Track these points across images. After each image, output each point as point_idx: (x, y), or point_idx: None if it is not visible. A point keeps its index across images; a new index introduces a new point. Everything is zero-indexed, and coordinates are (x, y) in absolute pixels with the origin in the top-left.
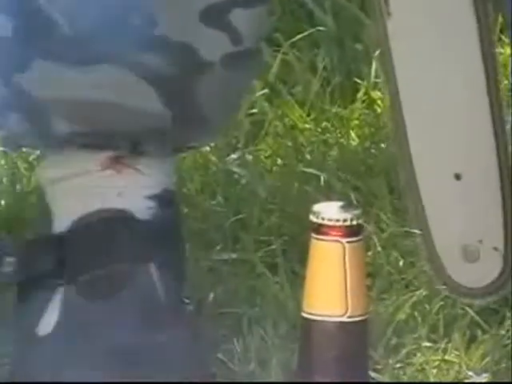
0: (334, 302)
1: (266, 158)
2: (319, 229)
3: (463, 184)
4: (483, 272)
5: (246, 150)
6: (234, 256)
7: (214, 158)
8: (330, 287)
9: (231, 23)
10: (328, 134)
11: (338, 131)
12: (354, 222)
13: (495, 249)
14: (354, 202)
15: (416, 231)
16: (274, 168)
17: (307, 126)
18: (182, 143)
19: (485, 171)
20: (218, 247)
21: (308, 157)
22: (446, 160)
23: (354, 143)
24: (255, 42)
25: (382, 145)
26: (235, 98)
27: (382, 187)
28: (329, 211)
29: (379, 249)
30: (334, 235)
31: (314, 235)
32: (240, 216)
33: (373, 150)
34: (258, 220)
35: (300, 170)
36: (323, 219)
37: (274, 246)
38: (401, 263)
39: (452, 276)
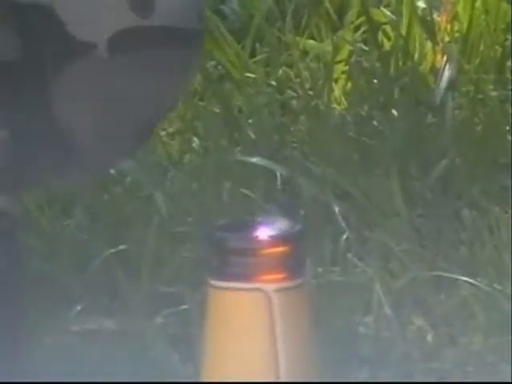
0: None
1: (170, 136)
2: (223, 269)
3: None
4: None
5: None
6: (109, 324)
7: None
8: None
9: None
10: (290, 92)
11: (309, 85)
12: (290, 251)
13: None
14: (342, 222)
15: (470, 280)
16: (187, 156)
17: (250, 74)
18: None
19: None
20: (80, 306)
21: (251, 134)
22: None
23: (339, 108)
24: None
25: (395, 112)
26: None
27: (395, 192)
28: (239, 233)
29: (387, 311)
30: (253, 279)
31: (212, 282)
32: (121, 247)
33: (375, 123)
34: (156, 254)
35: (235, 158)
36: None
37: (185, 306)
38: (429, 336)
39: None
